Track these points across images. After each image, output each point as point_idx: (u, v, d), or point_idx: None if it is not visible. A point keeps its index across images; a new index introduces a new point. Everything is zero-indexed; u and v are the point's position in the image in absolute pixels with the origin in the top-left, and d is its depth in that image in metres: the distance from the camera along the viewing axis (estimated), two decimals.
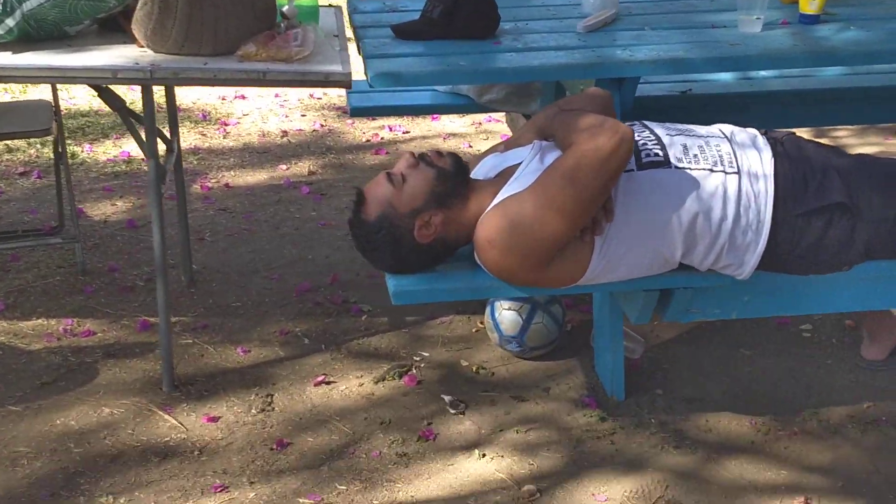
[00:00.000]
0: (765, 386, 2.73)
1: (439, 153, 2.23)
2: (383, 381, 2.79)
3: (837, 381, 2.76)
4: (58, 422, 2.58)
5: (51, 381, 2.75)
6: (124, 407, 2.65)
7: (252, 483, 2.37)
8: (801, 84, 3.28)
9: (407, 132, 4.92)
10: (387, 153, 4.62)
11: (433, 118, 5.10)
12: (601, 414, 2.61)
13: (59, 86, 3.50)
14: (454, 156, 2.23)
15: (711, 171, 2.15)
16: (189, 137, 4.77)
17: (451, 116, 5.10)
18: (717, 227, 2.14)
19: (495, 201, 2.18)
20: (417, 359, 2.90)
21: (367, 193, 2.23)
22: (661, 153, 2.17)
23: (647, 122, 2.27)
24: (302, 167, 4.46)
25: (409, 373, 2.81)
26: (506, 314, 2.83)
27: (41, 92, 4.54)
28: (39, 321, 3.05)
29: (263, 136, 4.86)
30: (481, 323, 3.08)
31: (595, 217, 2.11)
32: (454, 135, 4.87)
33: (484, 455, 2.46)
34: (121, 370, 2.82)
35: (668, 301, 2.31)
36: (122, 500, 2.31)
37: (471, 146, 4.65)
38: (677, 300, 2.29)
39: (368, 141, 4.80)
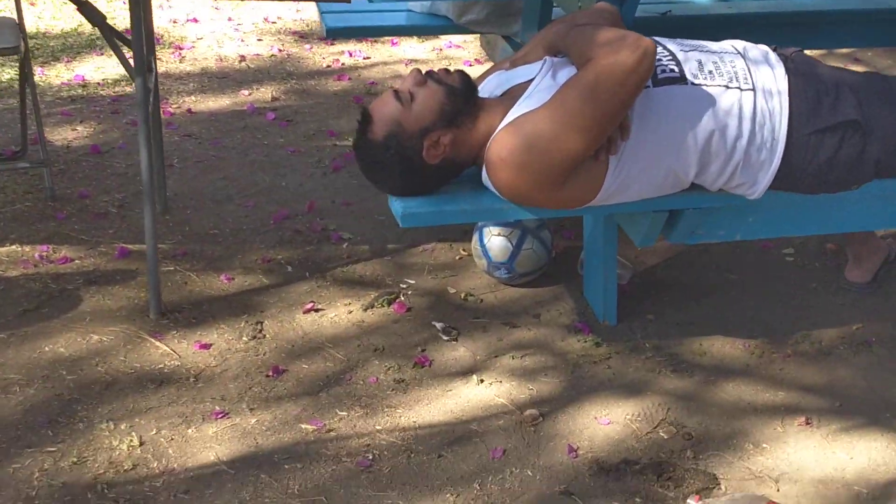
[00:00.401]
0: (754, 309, 2.76)
1: (447, 70, 2.17)
2: (372, 308, 2.74)
3: (825, 303, 2.79)
4: (46, 349, 2.50)
5: (33, 308, 2.66)
6: (113, 334, 2.57)
7: (252, 409, 2.33)
8: (776, 7, 3.27)
9: (367, 58, 4.82)
10: (349, 79, 4.53)
11: (392, 43, 5.00)
12: (595, 339, 2.60)
13: None
14: (462, 73, 2.17)
15: (727, 87, 2.12)
16: None
17: (411, 42, 5.01)
18: (732, 146, 2.12)
19: (507, 119, 2.13)
20: (404, 286, 2.86)
21: (373, 112, 2.16)
22: (676, 69, 2.13)
23: (657, 38, 2.23)
24: (264, 93, 4.34)
25: (398, 300, 2.77)
26: (495, 240, 2.80)
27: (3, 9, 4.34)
28: (13, 248, 2.93)
29: (221, 60, 4.72)
30: (464, 250, 3.05)
31: (610, 135, 2.07)
32: (415, 60, 4.79)
33: (482, 381, 2.44)
34: (104, 297, 2.73)
35: (675, 222, 2.29)
36: (122, 427, 2.25)
37: None
38: (685, 221, 2.28)
39: (329, 66, 4.70)
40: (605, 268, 2.64)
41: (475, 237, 2.87)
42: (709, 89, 2.12)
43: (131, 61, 2.57)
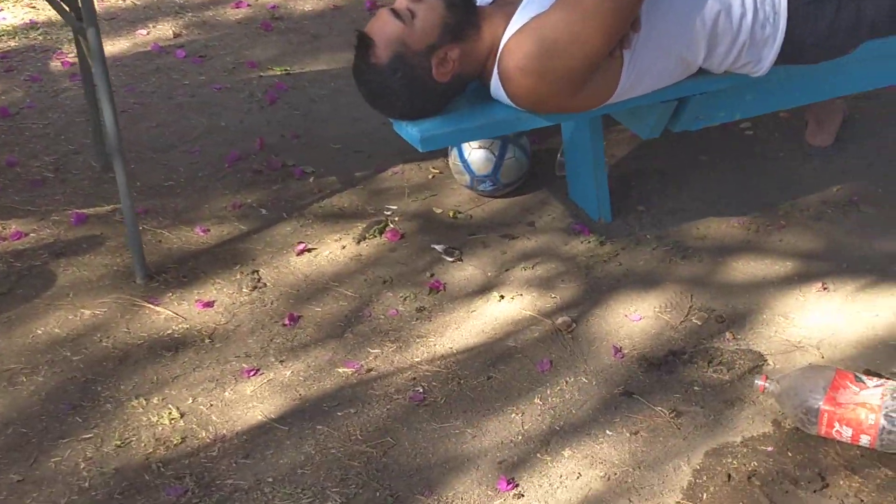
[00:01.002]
0: (735, 187, 2.80)
1: None
2: (365, 240, 2.66)
3: (798, 171, 2.86)
4: (39, 332, 2.33)
5: (6, 290, 2.47)
6: (105, 306, 2.41)
7: (282, 361, 2.24)
8: None
9: None
10: (248, 6, 4.30)
11: None
12: (598, 238, 2.60)
13: None
14: None
15: None
16: (18, 12, 4.26)
17: None
18: (738, 24, 2.12)
19: (513, 26, 2.06)
20: (388, 213, 2.78)
21: (373, 35, 2.06)
22: None
23: None
24: (163, 30, 4.09)
25: (388, 228, 2.69)
26: (476, 153, 2.74)
27: None
28: None
29: (101, 0, 4.40)
30: (434, 168, 2.99)
31: None
32: None
33: (502, 297, 2.42)
34: (79, 268, 2.56)
35: (682, 110, 2.29)
36: (154, 401, 2.13)
37: None
38: (691, 107, 2.28)
39: None
40: (594, 166, 2.63)
41: (453, 153, 2.80)
42: None
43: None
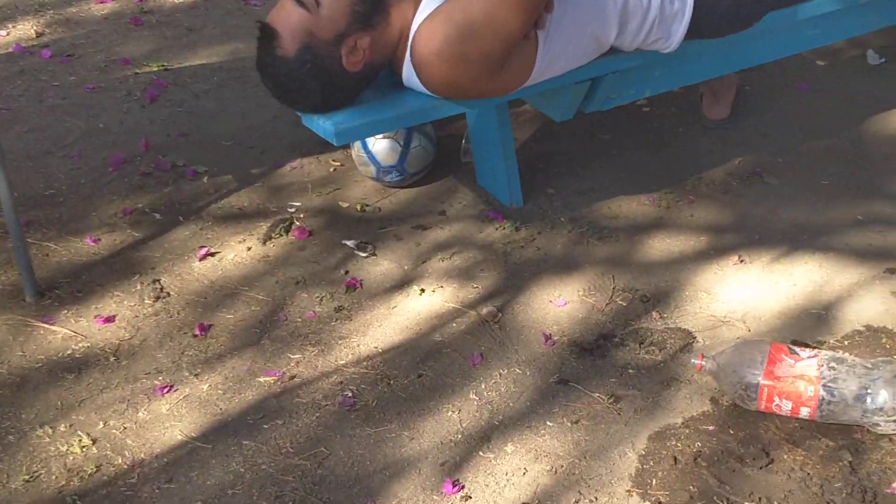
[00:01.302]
0: (640, 164, 2.79)
1: None
2: (271, 239, 2.54)
3: (699, 145, 2.87)
4: None
5: None
6: None
7: (197, 375, 2.10)
8: None
9: None
10: (113, 0, 4.08)
11: None
12: (512, 224, 2.55)
13: None
14: None
15: None
16: None
17: None
18: (647, 1, 2.09)
19: (425, 11, 1.99)
20: (292, 210, 2.66)
21: (277, 25, 1.94)
22: None
23: None
24: (24, 30, 3.84)
25: (294, 226, 2.58)
26: (381, 144, 2.65)
27: None
28: None
29: None
30: (335, 161, 2.88)
31: None
32: None
33: (423, 290, 2.33)
34: None
35: (595, 90, 2.26)
36: (61, 428, 1.97)
37: None
38: (604, 87, 2.25)
39: None
40: (503, 151, 2.57)
41: (356, 144, 2.70)
42: None
43: None
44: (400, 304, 2.30)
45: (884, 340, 2.09)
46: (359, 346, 2.17)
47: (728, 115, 2.95)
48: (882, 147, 2.80)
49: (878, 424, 1.86)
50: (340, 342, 2.19)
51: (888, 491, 1.75)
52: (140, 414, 2.01)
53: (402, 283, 2.36)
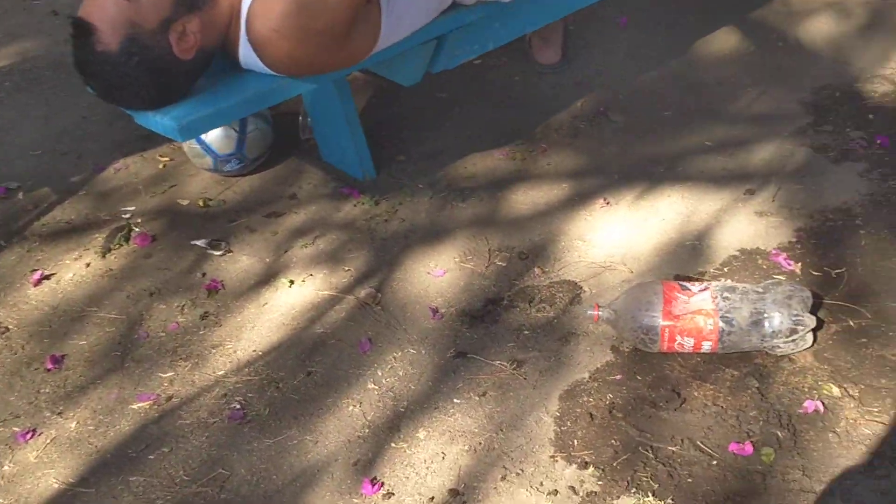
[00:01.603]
0: (484, 119, 2.73)
1: None
2: (110, 251, 2.33)
3: (538, 91, 2.83)
4: None
5: None
6: None
7: (60, 413, 1.90)
8: None
9: None
10: None
11: None
12: (371, 198, 2.43)
13: None
14: None
15: None
16: None
17: None
18: None
19: None
20: (127, 216, 2.44)
21: (92, 19, 1.74)
22: None
23: None
24: None
25: (134, 233, 2.37)
26: (215, 132, 2.47)
27: None
28: None
29: None
30: (162, 156, 2.68)
31: None
32: None
33: (292, 282, 2.19)
34: None
35: (440, 49, 2.17)
36: None
37: None
38: (449, 44, 2.16)
39: None
40: (348, 123, 2.44)
41: None
42: None
43: None
44: (270, 300, 2.14)
45: (760, 261, 2.11)
46: (235, 352, 2.01)
47: (560, 58, 2.92)
48: (712, 72, 2.84)
49: (777, 346, 1.87)
50: (214, 351, 2.02)
51: (801, 411, 1.76)
52: (6, 467, 1.79)
53: (267, 278, 2.21)
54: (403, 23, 1.99)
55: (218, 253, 2.29)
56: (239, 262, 2.25)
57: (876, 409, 1.74)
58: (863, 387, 1.78)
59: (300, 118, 2.64)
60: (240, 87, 1.90)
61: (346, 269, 2.20)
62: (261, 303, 2.13)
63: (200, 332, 2.07)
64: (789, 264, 2.08)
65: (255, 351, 2.01)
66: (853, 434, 1.70)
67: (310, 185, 2.49)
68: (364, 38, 1.92)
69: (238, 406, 1.88)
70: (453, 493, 1.67)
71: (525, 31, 2.38)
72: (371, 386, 1.90)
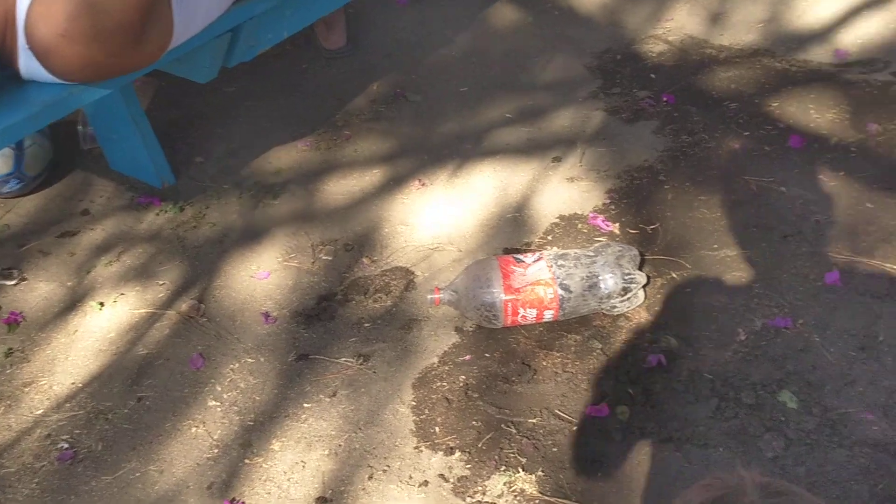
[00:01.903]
0: (279, 110, 2.63)
1: None
2: None
3: (328, 78, 2.77)
4: None
5: None
6: None
7: None
8: None
9: None
10: None
11: None
12: (174, 204, 2.29)
13: None
14: None
15: None
16: None
17: None
18: None
19: None
20: None
21: None
22: None
23: None
24: None
25: None
26: None
27: None
28: None
29: None
30: None
31: None
32: None
33: (102, 304, 2.04)
34: None
35: (235, 41, 2.05)
36: None
37: None
38: (244, 36, 2.05)
39: None
40: (138, 128, 2.28)
41: None
42: None
43: None
44: (80, 326, 1.97)
45: (580, 226, 2.14)
46: (51, 387, 1.84)
47: (345, 41, 2.86)
48: (497, 45, 2.86)
49: (614, 307, 1.90)
50: (27, 390, 1.83)
51: (645, 366, 1.80)
52: None
53: (72, 303, 2.03)
54: (197, 17, 1.87)
55: (11, 282, 2.08)
56: (37, 290, 2.06)
57: (712, 355, 1.80)
58: (696, 334, 1.84)
59: (79, 127, 2.44)
60: (26, 100, 1.71)
61: (161, 282, 2.06)
62: (70, 331, 1.96)
63: (7, 370, 1.87)
64: (608, 225, 2.13)
65: (73, 383, 1.84)
66: (697, 381, 1.75)
67: (102, 198, 2.31)
68: (158, 37, 1.78)
69: (66, 445, 1.71)
70: (321, 501, 1.60)
71: (318, 16, 2.30)
72: (212, 403, 1.79)
